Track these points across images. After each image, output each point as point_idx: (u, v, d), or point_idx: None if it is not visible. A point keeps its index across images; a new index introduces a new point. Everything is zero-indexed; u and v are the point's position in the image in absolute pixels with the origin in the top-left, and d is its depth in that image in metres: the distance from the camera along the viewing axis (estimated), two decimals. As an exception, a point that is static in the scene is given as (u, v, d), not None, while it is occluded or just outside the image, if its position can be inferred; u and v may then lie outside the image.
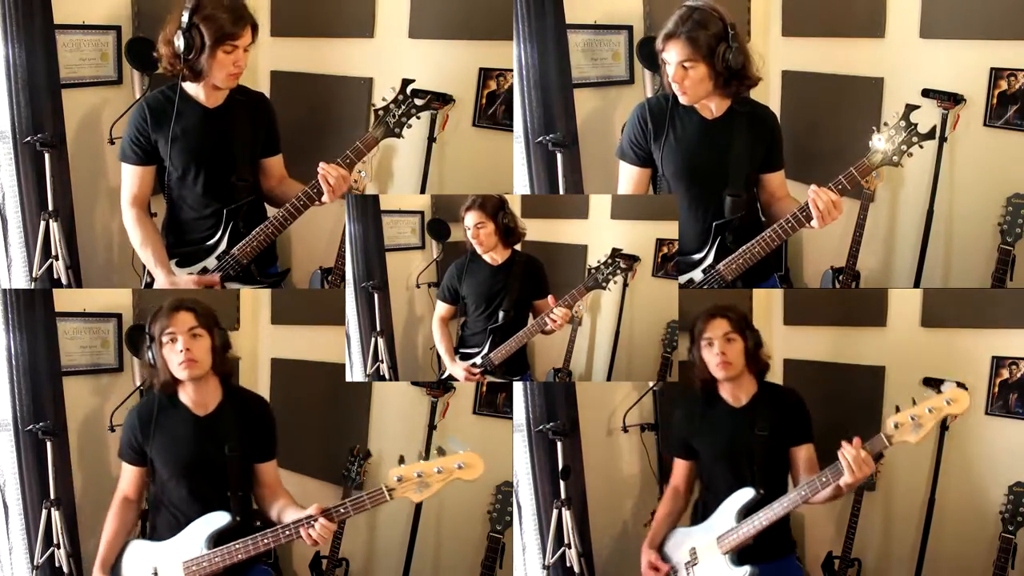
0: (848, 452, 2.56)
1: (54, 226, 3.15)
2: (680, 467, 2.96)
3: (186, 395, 2.70)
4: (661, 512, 2.94)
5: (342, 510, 2.54)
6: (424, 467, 2.50)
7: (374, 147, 2.82)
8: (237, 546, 2.57)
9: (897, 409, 2.59)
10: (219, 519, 2.63)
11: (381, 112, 2.82)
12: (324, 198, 2.77)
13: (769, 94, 3.26)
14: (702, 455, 2.89)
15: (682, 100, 2.73)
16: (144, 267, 2.91)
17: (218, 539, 2.61)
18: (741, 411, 2.83)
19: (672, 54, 2.66)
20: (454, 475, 2.51)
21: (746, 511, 2.72)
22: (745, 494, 2.74)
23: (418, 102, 2.84)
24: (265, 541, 2.56)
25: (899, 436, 2.57)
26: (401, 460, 2.54)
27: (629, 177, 2.88)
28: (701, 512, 2.88)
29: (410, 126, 2.85)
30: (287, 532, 2.55)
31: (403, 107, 2.82)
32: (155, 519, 2.74)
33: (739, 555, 2.72)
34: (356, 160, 2.80)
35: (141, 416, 2.72)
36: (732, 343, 2.78)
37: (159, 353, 2.65)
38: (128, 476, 2.76)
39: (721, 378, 2.81)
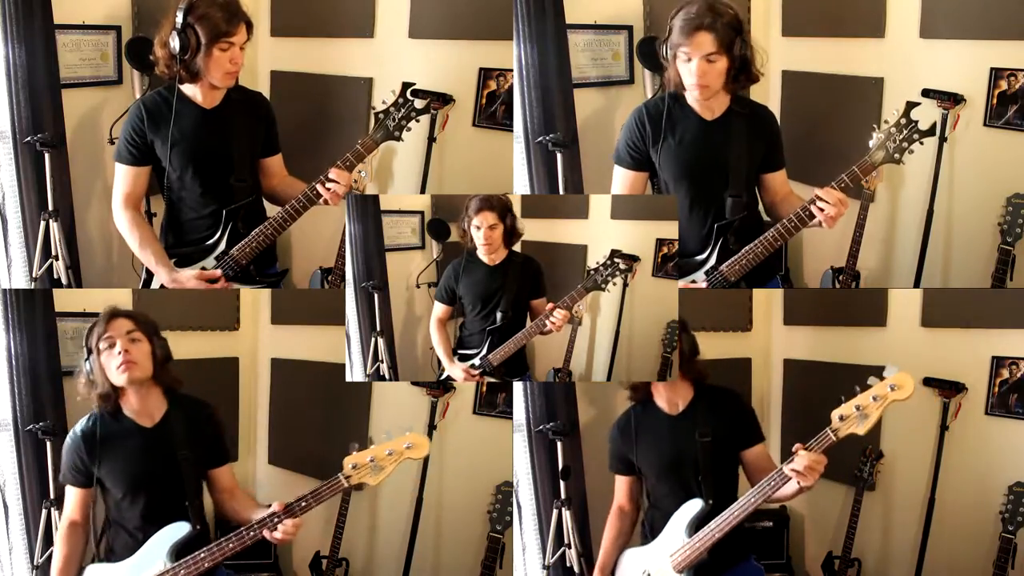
0: (798, 462, 2.46)
1: (54, 226, 3.15)
2: (622, 484, 2.86)
3: (128, 406, 2.63)
4: (609, 535, 2.85)
5: (303, 503, 2.54)
6: (375, 451, 2.57)
7: (374, 150, 2.82)
8: (202, 555, 2.52)
9: (841, 400, 2.50)
10: (178, 530, 2.57)
11: (381, 115, 2.82)
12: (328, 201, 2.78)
13: (769, 94, 3.26)
14: (644, 469, 2.79)
15: (698, 96, 2.67)
16: (144, 266, 2.91)
17: (180, 551, 2.55)
18: (679, 418, 2.75)
19: (699, 48, 2.59)
20: (404, 455, 2.58)
21: (696, 524, 2.62)
22: (693, 506, 2.64)
23: (418, 105, 2.83)
24: (230, 545, 2.52)
25: (845, 428, 2.46)
26: (353, 449, 2.59)
27: (624, 181, 2.85)
28: (649, 530, 2.77)
29: (410, 129, 2.84)
30: (251, 533, 2.52)
31: (403, 110, 2.81)
32: (111, 540, 2.64)
33: (696, 571, 2.61)
34: (356, 163, 2.79)
35: (85, 436, 2.62)
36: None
37: (97, 362, 2.58)
38: (73, 499, 2.65)
39: None
